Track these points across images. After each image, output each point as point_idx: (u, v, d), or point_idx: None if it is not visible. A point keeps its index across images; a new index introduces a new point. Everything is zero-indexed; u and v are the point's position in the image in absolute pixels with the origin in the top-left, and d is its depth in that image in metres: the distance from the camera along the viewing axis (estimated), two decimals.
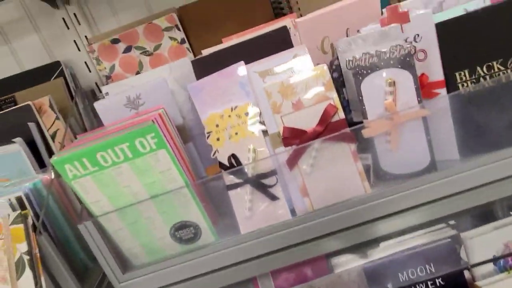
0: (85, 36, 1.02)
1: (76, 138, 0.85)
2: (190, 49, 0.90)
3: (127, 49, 0.88)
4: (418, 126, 0.66)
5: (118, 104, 0.79)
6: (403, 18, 0.66)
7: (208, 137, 0.71)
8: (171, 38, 0.88)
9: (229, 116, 0.71)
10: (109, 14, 1.02)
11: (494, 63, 0.66)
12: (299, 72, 0.70)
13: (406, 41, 0.66)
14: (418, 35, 0.66)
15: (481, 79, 0.67)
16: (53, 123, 0.92)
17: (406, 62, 0.66)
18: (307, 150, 0.68)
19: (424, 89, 0.68)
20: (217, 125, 0.71)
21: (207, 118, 0.71)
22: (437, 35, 0.66)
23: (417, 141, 0.67)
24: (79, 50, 1.04)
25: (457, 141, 0.69)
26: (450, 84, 0.68)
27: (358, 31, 0.76)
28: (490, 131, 0.67)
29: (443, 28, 0.66)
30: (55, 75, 1.03)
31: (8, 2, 1.00)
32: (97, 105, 0.78)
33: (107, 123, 0.78)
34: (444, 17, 0.68)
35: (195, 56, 0.90)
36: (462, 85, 0.68)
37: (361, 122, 0.72)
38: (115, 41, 0.88)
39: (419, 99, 0.65)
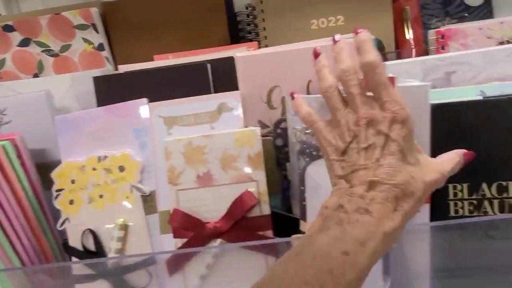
0: None
1: None
2: (110, 59, 0.67)
3: (24, 43, 0.65)
4: None
5: None
6: None
7: (56, 197, 0.48)
8: (85, 40, 0.65)
9: (94, 169, 0.48)
10: None
11: (510, 183, 0.43)
12: (220, 132, 0.46)
13: None
14: None
15: (485, 202, 0.44)
16: None
17: None
18: (201, 253, 0.44)
19: None
20: (72, 181, 0.47)
21: (60, 169, 0.48)
22: (431, 118, 0.43)
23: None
24: None
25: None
26: (437, 200, 0.44)
27: None
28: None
29: (441, 112, 0.43)
30: None
31: None
32: None
33: None
34: (449, 96, 0.46)
35: (116, 69, 0.67)
36: (455, 204, 0.44)
37: (297, 219, 0.49)
38: (8, 29, 0.65)
39: None
